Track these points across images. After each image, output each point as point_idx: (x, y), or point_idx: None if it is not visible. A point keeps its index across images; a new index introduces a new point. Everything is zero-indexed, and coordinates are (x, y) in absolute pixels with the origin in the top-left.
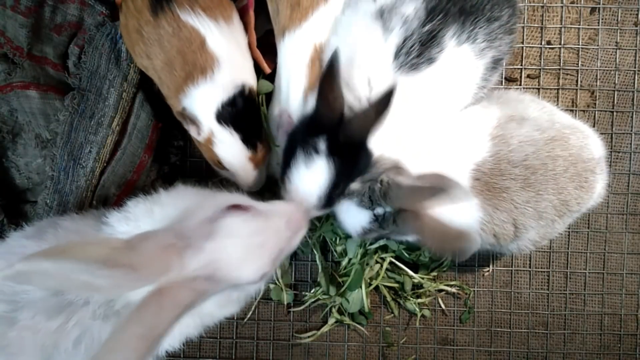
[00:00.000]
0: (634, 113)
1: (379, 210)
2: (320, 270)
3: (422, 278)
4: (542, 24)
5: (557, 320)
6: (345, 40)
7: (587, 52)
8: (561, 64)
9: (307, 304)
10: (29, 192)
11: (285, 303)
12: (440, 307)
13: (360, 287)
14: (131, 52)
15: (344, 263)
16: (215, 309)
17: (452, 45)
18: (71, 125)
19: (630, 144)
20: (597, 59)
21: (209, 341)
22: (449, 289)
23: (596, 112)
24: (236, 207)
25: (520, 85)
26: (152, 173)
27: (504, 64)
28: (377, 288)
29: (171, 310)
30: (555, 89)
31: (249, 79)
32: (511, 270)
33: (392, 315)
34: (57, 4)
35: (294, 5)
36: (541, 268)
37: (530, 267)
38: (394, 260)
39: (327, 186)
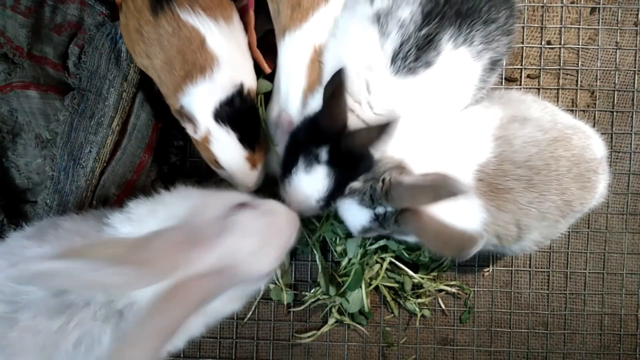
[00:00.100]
0: (634, 113)
1: (380, 210)
2: (320, 270)
3: (422, 278)
4: (542, 24)
5: (557, 320)
6: (343, 43)
7: (587, 52)
8: (561, 64)
9: (307, 304)
10: (29, 192)
11: (285, 303)
12: (440, 307)
13: (360, 287)
14: (131, 51)
15: (343, 263)
16: (221, 306)
17: (449, 48)
18: (71, 125)
19: (630, 144)
20: (597, 59)
21: (209, 341)
22: (449, 289)
23: (596, 112)
24: (243, 205)
25: (520, 85)
26: (152, 173)
27: (503, 65)
28: (377, 288)
29: (187, 305)
30: (555, 89)
31: (248, 78)
32: (511, 270)
33: (392, 315)
34: (57, 4)
35: (295, 5)
36: (541, 268)
37: (530, 267)
38: (394, 260)
39: (325, 192)
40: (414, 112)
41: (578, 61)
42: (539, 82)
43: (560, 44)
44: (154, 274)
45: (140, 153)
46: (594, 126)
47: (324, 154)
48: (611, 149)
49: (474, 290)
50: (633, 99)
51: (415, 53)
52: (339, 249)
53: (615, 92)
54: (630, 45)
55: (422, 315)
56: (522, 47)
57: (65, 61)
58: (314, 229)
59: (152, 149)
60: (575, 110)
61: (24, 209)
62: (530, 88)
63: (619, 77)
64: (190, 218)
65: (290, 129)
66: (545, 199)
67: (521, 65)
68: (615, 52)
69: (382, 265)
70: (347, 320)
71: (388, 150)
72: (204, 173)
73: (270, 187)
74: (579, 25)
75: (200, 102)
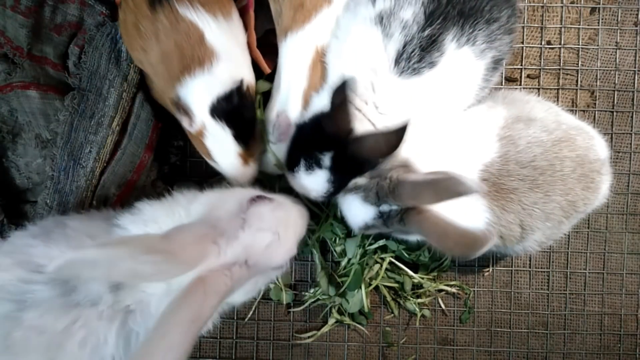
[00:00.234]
0: (634, 113)
1: (385, 207)
2: (319, 270)
3: (422, 278)
4: (542, 24)
5: (557, 320)
6: (346, 44)
7: (587, 52)
8: (561, 64)
9: (307, 304)
10: (29, 192)
11: (285, 303)
12: (440, 307)
13: (360, 287)
14: (128, 47)
15: (343, 263)
16: (237, 297)
17: (452, 48)
18: (71, 125)
19: (630, 144)
20: (597, 59)
21: (209, 341)
22: (449, 289)
23: (596, 112)
24: (259, 198)
25: (520, 85)
26: (152, 173)
27: (504, 64)
28: (377, 288)
29: (214, 296)
30: (555, 89)
31: (247, 75)
32: (511, 270)
33: (392, 315)
34: (57, 4)
35: (297, 6)
36: (541, 268)
37: (530, 267)
38: (393, 260)
39: (326, 192)
40: (419, 112)
41: (578, 61)
42: (539, 82)
43: (560, 44)
44: (181, 262)
45: (141, 153)
46: (594, 126)
47: (327, 159)
48: (611, 149)
49: (474, 290)
50: (633, 99)
51: (419, 54)
52: (338, 249)
53: (615, 92)
54: (630, 45)
55: (422, 315)
56: (522, 47)
57: (65, 61)
58: (313, 229)
59: (152, 149)
60: (575, 110)
61: (24, 209)
62: (530, 88)
63: (619, 77)
64: (209, 214)
65: (289, 130)
66: (550, 199)
67: (521, 65)
68: (615, 52)
69: (382, 265)
70: (347, 320)
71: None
72: (204, 173)
73: (268, 184)
74: (579, 25)
75: (197, 95)
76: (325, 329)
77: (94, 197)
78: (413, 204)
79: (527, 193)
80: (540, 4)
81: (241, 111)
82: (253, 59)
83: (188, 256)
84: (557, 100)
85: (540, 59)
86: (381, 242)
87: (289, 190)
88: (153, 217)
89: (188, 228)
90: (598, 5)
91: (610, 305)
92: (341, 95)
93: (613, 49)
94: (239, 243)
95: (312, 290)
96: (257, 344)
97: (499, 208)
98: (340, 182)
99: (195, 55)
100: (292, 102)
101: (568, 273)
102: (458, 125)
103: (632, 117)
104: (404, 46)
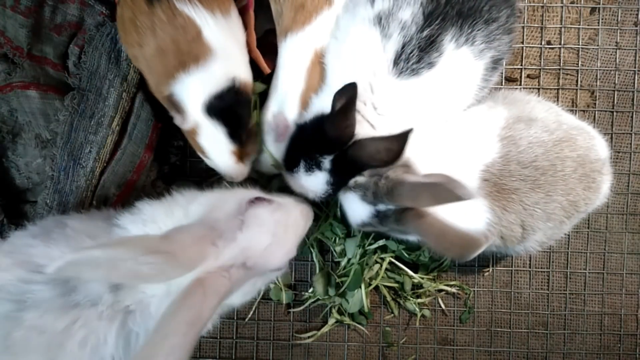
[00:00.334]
0: (634, 113)
1: (381, 207)
2: (317, 271)
3: (422, 278)
4: (542, 24)
5: (557, 320)
6: (345, 45)
7: (587, 52)
8: (561, 64)
9: (307, 304)
10: (29, 192)
11: (285, 303)
12: (440, 307)
13: (360, 287)
14: (124, 43)
15: (343, 263)
16: (236, 299)
17: (451, 48)
18: (71, 125)
19: (630, 144)
20: (597, 59)
21: (209, 341)
22: (449, 289)
23: (596, 112)
24: (259, 200)
25: (520, 85)
26: (152, 173)
27: (504, 64)
28: (377, 288)
29: (213, 297)
30: (555, 89)
31: (243, 73)
32: (511, 270)
33: (392, 315)
34: (57, 4)
35: (298, 7)
36: (541, 268)
37: (530, 267)
38: (393, 260)
39: (325, 193)
40: (418, 113)
41: (578, 61)
42: (539, 82)
43: (560, 44)
44: (181, 263)
45: (141, 153)
46: (594, 126)
47: (327, 162)
48: (611, 149)
49: (474, 290)
50: (633, 99)
51: (417, 54)
52: (338, 249)
53: (615, 92)
54: (630, 45)
55: (422, 315)
56: (522, 47)
57: (65, 61)
58: (312, 229)
59: (152, 149)
60: (576, 111)
61: (24, 209)
62: (530, 88)
63: (619, 77)
64: (208, 215)
65: (286, 130)
66: (551, 199)
67: (521, 65)
68: (615, 52)
69: (381, 265)
70: (347, 320)
71: None
72: (204, 173)
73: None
74: (579, 25)
75: (191, 92)
76: (325, 329)
77: (94, 197)
78: (408, 205)
79: (529, 193)
80: (540, 4)
81: (235, 109)
82: (253, 58)
83: (187, 257)
84: (557, 100)
85: (540, 59)
86: (381, 242)
87: (285, 190)
88: (152, 217)
89: (187, 229)
90: (598, 5)
91: (610, 305)
92: (344, 99)
93: (613, 49)
94: (236, 245)
95: (311, 290)
96: (257, 344)
97: (500, 208)
98: (339, 184)
99: (191, 51)
100: (289, 103)
101: (568, 273)
102: (459, 126)
103: (632, 117)
104: (403, 47)
